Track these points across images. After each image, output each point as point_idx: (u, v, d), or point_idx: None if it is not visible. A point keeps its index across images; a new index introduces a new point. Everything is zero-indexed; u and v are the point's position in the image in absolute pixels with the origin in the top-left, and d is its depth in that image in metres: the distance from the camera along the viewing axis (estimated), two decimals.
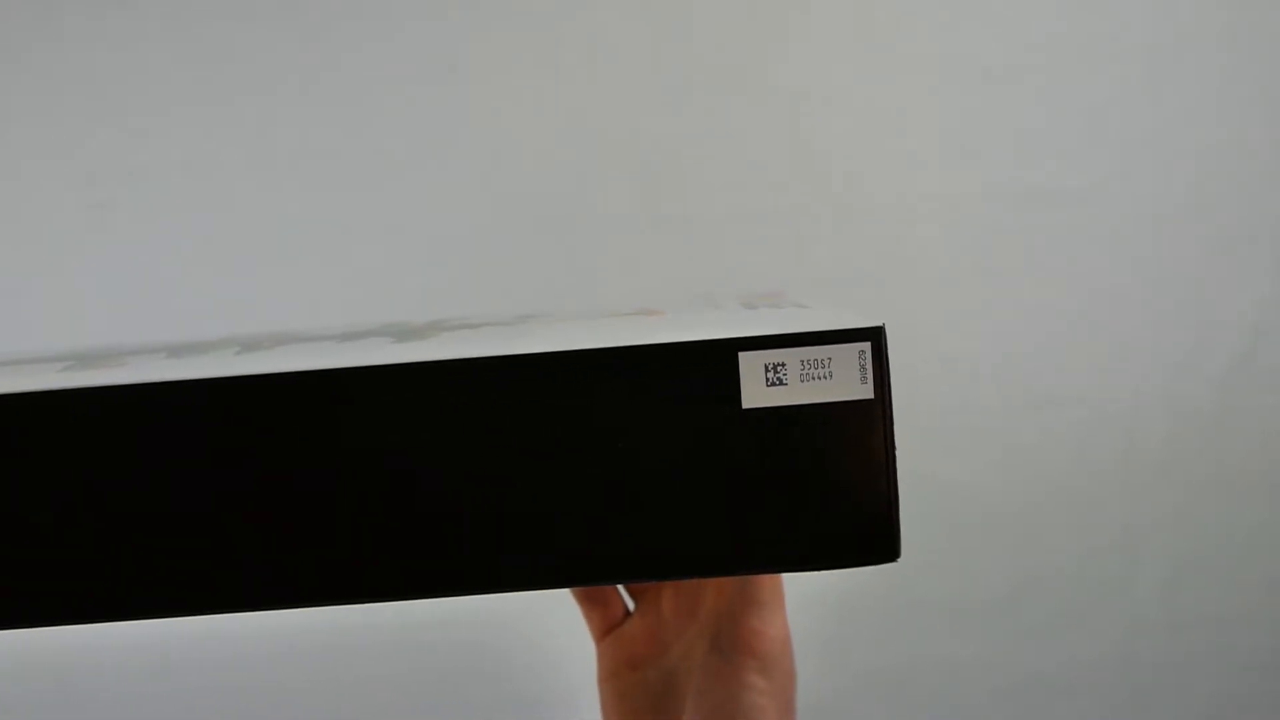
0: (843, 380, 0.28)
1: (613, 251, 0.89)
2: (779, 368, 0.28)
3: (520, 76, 0.90)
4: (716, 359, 0.28)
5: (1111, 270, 0.90)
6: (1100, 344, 0.90)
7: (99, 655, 0.87)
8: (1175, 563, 0.91)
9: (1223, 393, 0.90)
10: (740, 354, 0.28)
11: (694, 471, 0.28)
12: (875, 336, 0.28)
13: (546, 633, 0.83)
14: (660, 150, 0.90)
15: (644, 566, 0.29)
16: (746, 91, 0.90)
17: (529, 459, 0.28)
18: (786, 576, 0.42)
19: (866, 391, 0.28)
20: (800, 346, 0.28)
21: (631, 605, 0.45)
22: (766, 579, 0.40)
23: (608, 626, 0.44)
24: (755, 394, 0.28)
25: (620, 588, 0.46)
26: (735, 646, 0.39)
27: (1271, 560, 0.91)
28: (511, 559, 0.28)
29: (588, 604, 0.45)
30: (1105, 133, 0.91)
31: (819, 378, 0.28)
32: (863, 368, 0.28)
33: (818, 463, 0.28)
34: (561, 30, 0.90)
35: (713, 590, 0.41)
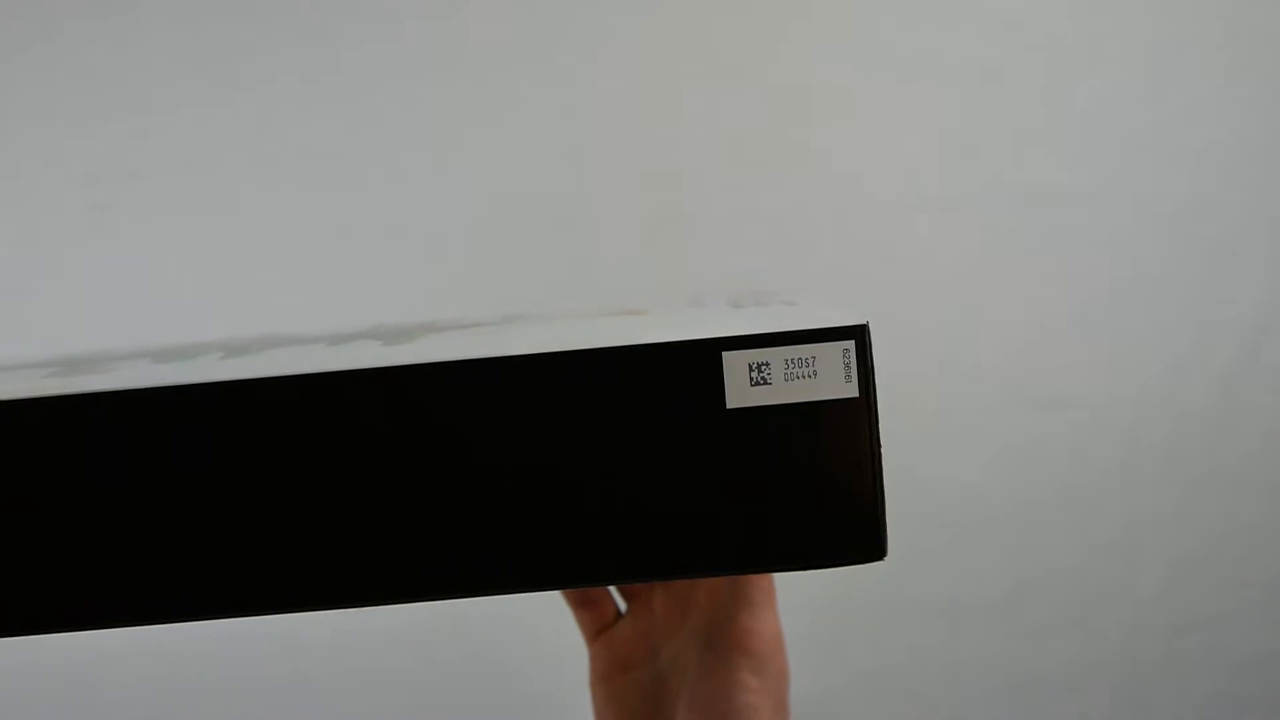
0: (827, 379, 0.28)
1: (611, 251, 0.90)
2: (763, 367, 0.28)
3: (520, 76, 0.90)
4: (700, 359, 0.28)
5: (1111, 270, 0.90)
6: (1100, 344, 0.90)
7: (90, 657, 0.87)
8: (1175, 563, 0.90)
9: (1223, 393, 0.90)
10: (724, 354, 0.28)
11: (679, 472, 0.28)
12: (859, 335, 0.28)
13: (540, 635, 0.83)
14: (659, 150, 0.90)
15: (631, 568, 0.29)
16: (746, 91, 0.90)
17: (513, 461, 0.28)
18: (782, 575, 0.41)
19: (851, 390, 0.28)
20: (784, 346, 0.28)
21: (624, 607, 0.45)
22: (757, 577, 0.40)
23: (599, 628, 0.44)
24: (739, 394, 0.28)
25: (612, 590, 0.46)
26: (727, 645, 0.39)
27: (1271, 560, 0.91)
28: (499, 562, 0.28)
29: (579, 606, 0.45)
30: (1105, 133, 0.91)
31: (803, 377, 0.28)
32: (847, 366, 0.28)
33: (803, 462, 0.28)
34: (561, 30, 0.90)
35: (704, 590, 0.41)
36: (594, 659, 0.44)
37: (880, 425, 0.28)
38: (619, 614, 0.45)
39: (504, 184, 0.90)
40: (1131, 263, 0.90)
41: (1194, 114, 0.90)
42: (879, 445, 0.28)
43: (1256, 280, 0.90)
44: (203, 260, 0.90)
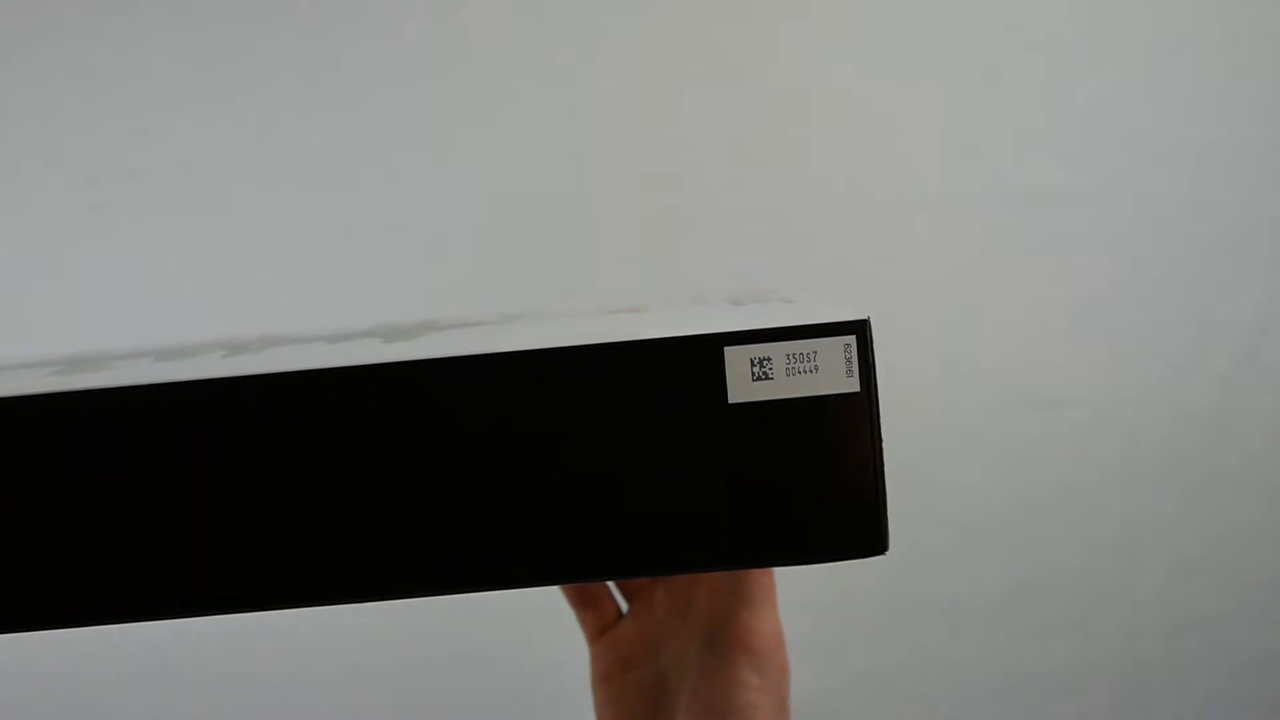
0: (829, 374, 0.28)
1: (612, 251, 0.90)
2: (764, 362, 0.28)
3: (520, 76, 0.90)
4: (702, 354, 0.28)
5: (1111, 270, 0.90)
6: (1100, 344, 0.90)
7: (88, 657, 0.87)
8: (1175, 563, 0.90)
9: (1223, 393, 0.90)
10: (725, 349, 0.28)
11: (681, 467, 0.28)
12: (860, 330, 0.28)
13: (542, 635, 0.83)
14: (659, 150, 0.90)
15: (633, 563, 0.29)
16: (745, 91, 0.90)
17: (514, 457, 0.28)
18: (783, 575, 0.42)
19: (853, 385, 0.28)
20: (785, 340, 0.28)
21: (625, 607, 0.45)
22: (758, 575, 0.40)
23: (601, 628, 0.44)
24: (741, 389, 0.28)
25: (613, 589, 0.46)
26: (728, 644, 0.39)
27: (1271, 560, 0.91)
28: (501, 557, 0.28)
29: (580, 607, 0.45)
30: (1105, 133, 0.91)
31: (805, 372, 0.28)
32: (848, 361, 0.28)
33: (805, 456, 0.28)
34: (561, 30, 0.90)
35: (705, 589, 0.41)
36: (595, 659, 0.44)
37: (881, 421, 0.28)
38: (620, 614, 0.45)
39: (504, 184, 0.90)
40: (1131, 263, 0.90)
41: (1194, 114, 0.90)
42: (880, 440, 0.28)
43: (1256, 280, 0.90)
44: (203, 260, 0.90)
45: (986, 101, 0.90)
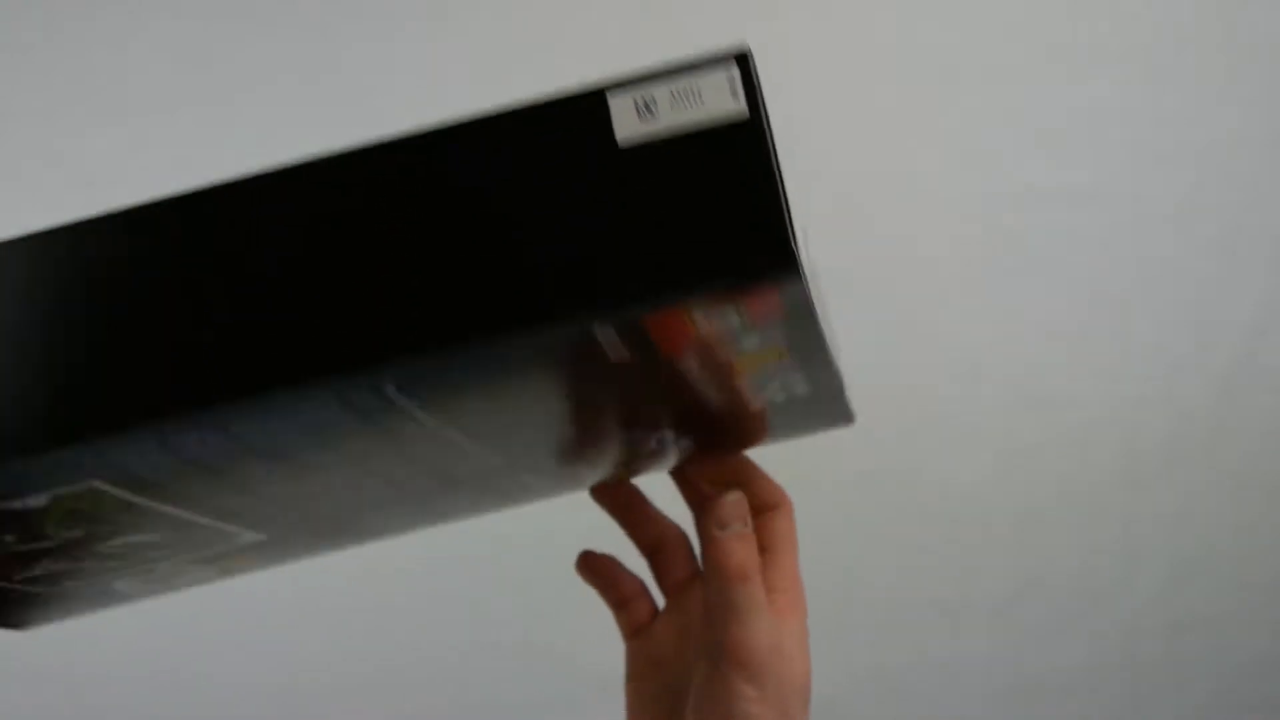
0: (715, 104, 0.28)
1: None
2: (650, 103, 0.29)
3: (520, 76, 0.90)
4: (587, 106, 0.29)
5: (1111, 270, 0.90)
6: (1100, 344, 0.90)
7: (91, 656, 0.87)
8: (1175, 563, 0.90)
9: (1223, 393, 0.90)
10: (609, 94, 0.29)
11: (582, 216, 0.29)
12: (741, 58, 0.29)
13: (553, 635, 0.83)
14: None
15: (550, 313, 0.29)
16: None
17: (423, 234, 0.29)
18: None
19: (741, 112, 0.28)
20: (668, 78, 0.29)
21: (662, 605, 0.45)
22: (736, 582, 0.40)
23: (636, 627, 0.45)
24: (629, 130, 0.29)
25: (652, 588, 0.46)
26: (722, 656, 0.39)
27: (1272, 560, 0.91)
28: (414, 323, 0.29)
29: (616, 607, 0.45)
30: (1105, 133, 0.91)
31: (691, 105, 0.28)
32: (733, 91, 0.28)
33: (704, 186, 0.29)
34: (561, 30, 0.90)
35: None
36: (629, 657, 0.45)
37: (777, 146, 0.29)
38: (656, 613, 0.45)
39: None
40: (1131, 263, 0.90)
41: (1194, 114, 0.91)
42: (779, 163, 0.29)
43: (1256, 280, 0.90)
44: None
45: (986, 101, 0.90)
